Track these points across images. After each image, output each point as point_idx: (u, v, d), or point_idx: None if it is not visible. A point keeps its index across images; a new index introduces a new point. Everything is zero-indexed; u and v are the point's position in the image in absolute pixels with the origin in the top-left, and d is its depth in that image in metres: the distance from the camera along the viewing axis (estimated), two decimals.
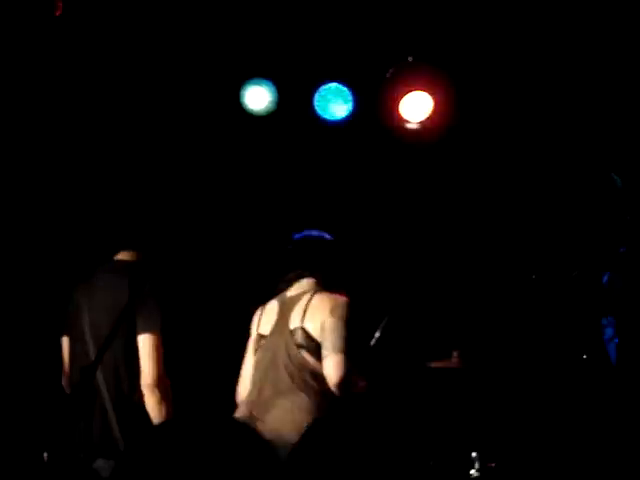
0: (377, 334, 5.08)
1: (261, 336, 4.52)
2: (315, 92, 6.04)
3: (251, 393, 4.45)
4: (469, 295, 6.17)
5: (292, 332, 4.36)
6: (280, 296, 4.54)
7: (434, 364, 5.41)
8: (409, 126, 6.01)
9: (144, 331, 4.36)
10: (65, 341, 4.61)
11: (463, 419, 5.25)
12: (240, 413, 4.45)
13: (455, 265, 6.25)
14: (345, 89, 6.02)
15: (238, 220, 6.32)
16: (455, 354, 5.38)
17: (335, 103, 6.04)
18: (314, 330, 4.32)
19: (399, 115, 5.99)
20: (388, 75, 5.96)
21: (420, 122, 5.99)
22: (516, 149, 6.11)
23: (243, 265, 6.23)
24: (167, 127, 6.05)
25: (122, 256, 4.59)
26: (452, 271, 6.24)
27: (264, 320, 4.54)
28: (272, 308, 4.54)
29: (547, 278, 4.89)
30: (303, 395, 4.30)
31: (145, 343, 4.37)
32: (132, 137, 6.01)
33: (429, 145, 6.16)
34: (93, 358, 4.30)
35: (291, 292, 4.52)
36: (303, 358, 4.32)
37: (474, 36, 5.79)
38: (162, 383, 4.39)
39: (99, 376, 4.32)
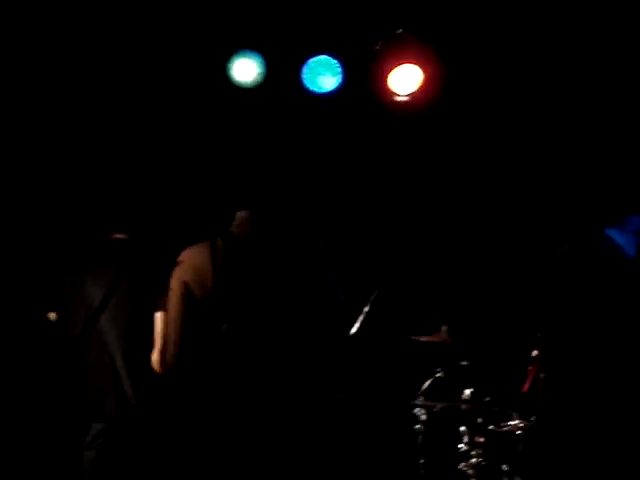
0: (366, 308, 5.11)
1: None
2: (304, 64, 6.00)
3: None
4: (458, 271, 6.19)
5: None
6: None
7: (423, 338, 5.45)
8: (398, 99, 5.99)
9: (160, 309, 4.39)
10: (52, 316, 4.65)
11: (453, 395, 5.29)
12: None
13: (445, 240, 6.26)
14: (334, 61, 5.98)
15: (228, 195, 6.28)
16: (444, 328, 5.42)
17: (324, 75, 6.00)
18: None
19: (388, 88, 5.97)
20: (377, 48, 5.92)
21: (409, 94, 5.96)
22: (504, 122, 6.12)
23: None
24: (156, 102, 6.02)
25: (117, 235, 4.66)
26: (441, 246, 6.25)
27: None
28: None
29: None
30: None
31: (159, 321, 4.40)
32: (120, 116, 6.00)
33: (418, 117, 6.15)
34: (103, 327, 4.44)
35: None
36: None
37: (463, 8, 5.76)
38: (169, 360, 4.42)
39: (109, 332, 4.44)
